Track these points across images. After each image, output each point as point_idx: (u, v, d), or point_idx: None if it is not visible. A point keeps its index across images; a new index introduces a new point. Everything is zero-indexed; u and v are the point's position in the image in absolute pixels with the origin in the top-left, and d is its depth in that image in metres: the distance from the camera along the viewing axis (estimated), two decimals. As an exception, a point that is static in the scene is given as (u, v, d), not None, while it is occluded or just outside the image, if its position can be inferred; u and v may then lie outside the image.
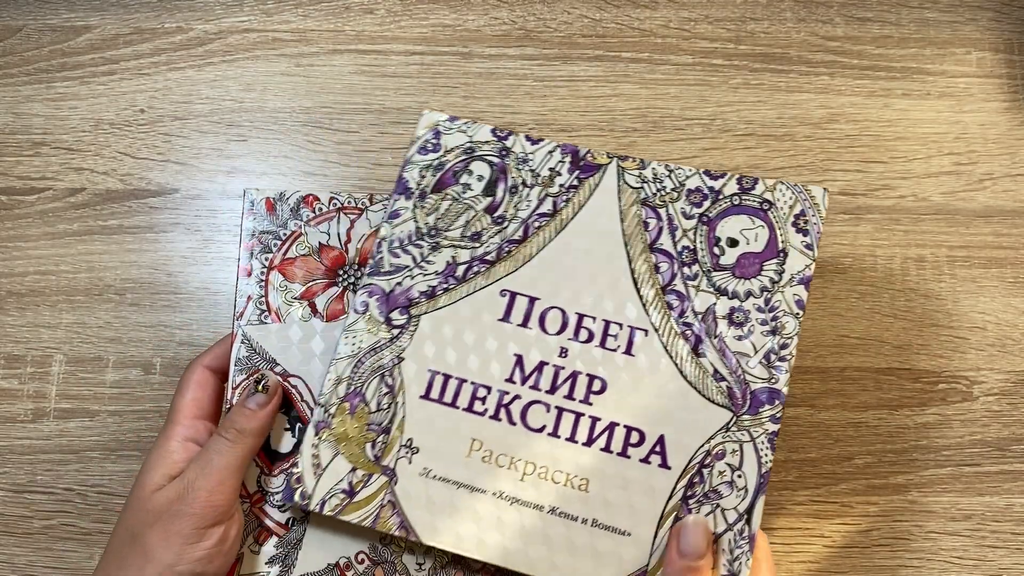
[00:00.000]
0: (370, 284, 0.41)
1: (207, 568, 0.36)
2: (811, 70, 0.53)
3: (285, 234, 0.43)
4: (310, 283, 0.43)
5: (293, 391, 0.41)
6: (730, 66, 0.53)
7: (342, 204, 0.44)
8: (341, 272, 0.43)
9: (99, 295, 0.49)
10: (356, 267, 0.43)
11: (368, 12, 0.54)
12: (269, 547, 0.40)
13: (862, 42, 0.53)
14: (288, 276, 0.43)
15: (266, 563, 0.39)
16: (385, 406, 0.40)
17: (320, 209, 0.44)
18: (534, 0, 0.54)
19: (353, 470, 0.39)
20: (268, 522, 0.40)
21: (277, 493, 0.40)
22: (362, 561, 0.40)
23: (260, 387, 0.40)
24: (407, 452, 0.39)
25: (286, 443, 0.40)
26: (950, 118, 0.52)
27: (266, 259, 0.43)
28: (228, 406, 0.40)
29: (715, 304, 0.40)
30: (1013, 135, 0.51)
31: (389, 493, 0.39)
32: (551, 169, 0.43)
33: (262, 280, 0.43)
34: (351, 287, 0.43)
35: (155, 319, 0.49)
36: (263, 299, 0.42)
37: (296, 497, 0.38)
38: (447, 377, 0.40)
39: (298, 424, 0.41)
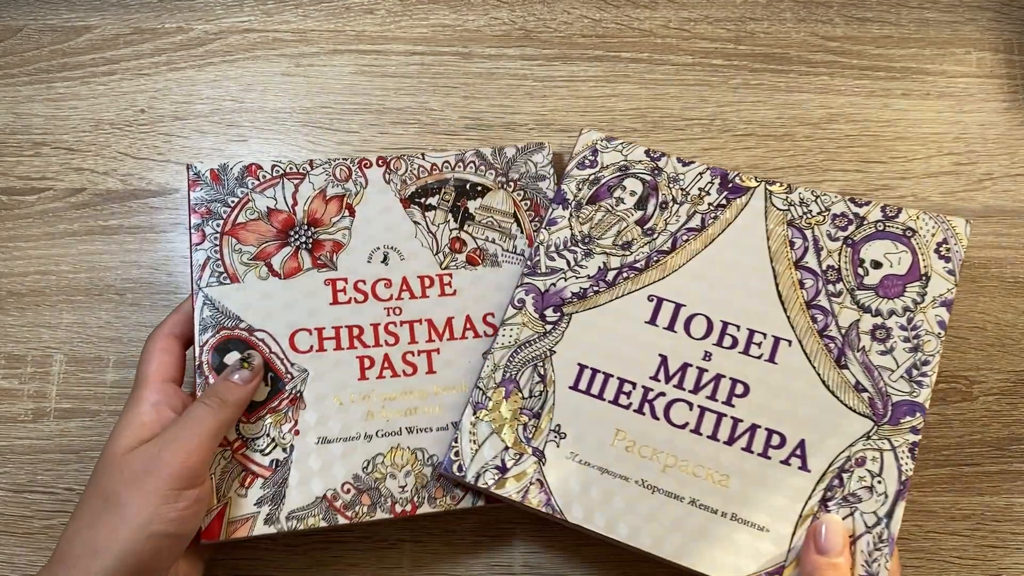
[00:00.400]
0: (528, 283, 0.46)
1: (180, 529, 0.37)
2: (811, 70, 0.53)
3: (233, 201, 0.46)
4: (263, 245, 0.46)
5: (261, 344, 0.44)
6: (730, 66, 0.53)
7: (284, 171, 0.47)
8: (292, 233, 0.46)
9: (99, 295, 0.49)
10: (306, 227, 0.46)
11: (368, 12, 0.54)
12: (256, 489, 0.42)
13: (862, 42, 0.53)
14: (241, 240, 0.46)
15: (255, 504, 0.42)
16: (536, 393, 0.44)
17: (264, 176, 0.47)
18: (534, 0, 0.54)
19: (506, 449, 0.43)
20: (252, 466, 0.42)
21: (258, 438, 0.42)
22: (348, 491, 0.43)
23: (246, 364, 0.42)
24: (555, 436, 0.43)
25: (261, 392, 0.43)
26: (950, 118, 0.52)
27: (217, 225, 0.46)
28: (199, 363, 0.43)
29: (859, 320, 0.43)
30: (1013, 135, 0.51)
31: (538, 473, 0.42)
32: (700, 189, 0.47)
33: (216, 245, 0.45)
34: (303, 246, 0.46)
35: (155, 319, 0.49)
36: (219, 262, 0.45)
37: (454, 469, 0.42)
38: (595, 371, 0.44)
39: (270, 373, 0.44)
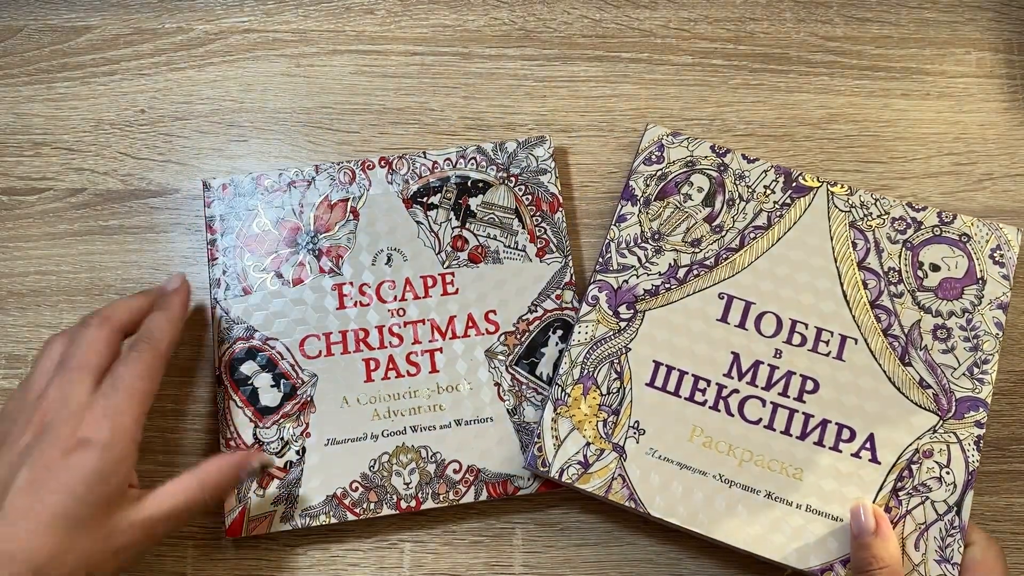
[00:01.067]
0: (600, 280, 0.47)
1: None
2: (811, 70, 0.53)
3: (244, 214, 0.48)
4: (273, 254, 0.48)
5: (274, 352, 0.46)
6: (730, 66, 0.53)
7: (291, 179, 0.49)
8: (300, 240, 0.48)
9: (100, 295, 0.49)
10: (312, 233, 0.48)
11: (368, 12, 0.54)
12: (272, 489, 0.44)
13: (861, 42, 0.53)
14: (253, 251, 0.48)
15: (272, 504, 0.44)
16: (614, 390, 0.45)
17: (272, 186, 0.49)
18: (534, 0, 0.54)
19: (587, 444, 0.44)
20: (269, 469, 0.45)
21: (272, 442, 0.45)
22: (356, 489, 0.45)
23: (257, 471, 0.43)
24: (634, 432, 0.44)
25: (274, 398, 0.46)
26: (949, 118, 0.52)
27: (231, 239, 0.48)
28: (218, 375, 0.46)
29: (920, 320, 0.45)
30: (1012, 135, 0.51)
31: (620, 468, 0.44)
32: (765, 187, 0.48)
33: (230, 259, 0.48)
34: (310, 252, 0.48)
35: (155, 319, 0.49)
36: (234, 275, 0.47)
37: (538, 465, 0.44)
38: (670, 368, 0.45)
39: (282, 380, 0.46)
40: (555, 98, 0.52)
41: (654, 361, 0.45)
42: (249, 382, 0.46)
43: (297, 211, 0.48)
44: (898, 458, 0.43)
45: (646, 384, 0.45)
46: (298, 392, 0.46)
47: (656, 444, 0.44)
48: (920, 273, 0.46)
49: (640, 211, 0.48)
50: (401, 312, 0.47)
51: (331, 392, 0.46)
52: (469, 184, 0.49)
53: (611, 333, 0.46)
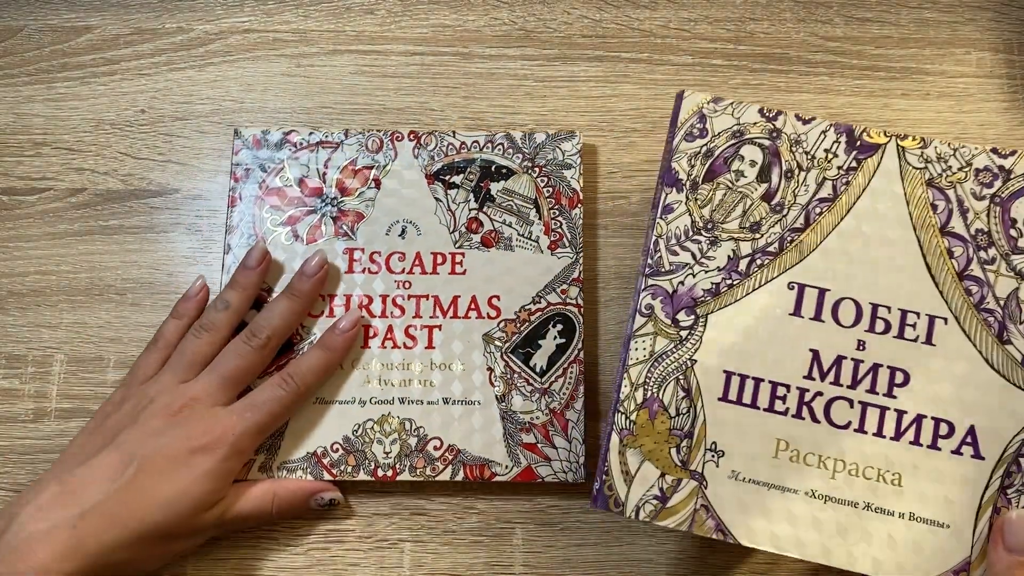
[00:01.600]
0: (652, 285, 0.41)
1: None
2: (811, 70, 0.53)
3: (269, 167, 0.49)
4: (292, 211, 0.49)
5: None
6: (730, 66, 0.53)
7: (321, 139, 0.50)
8: (320, 200, 0.49)
9: (100, 295, 0.49)
10: (333, 196, 0.49)
11: (368, 12, 0.54)
12: None
13: (861, 42, 0.53)
14: (271, 204, 0.49)
15: (254, 451, 0.45)
16: (684, 410, 0.40)
17: (301, 143, 0.50)
18: (534, 0, 0.54)
19: (662, 475, 0.39)
20: None
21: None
22: (337, 450, 0.45)
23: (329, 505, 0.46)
24: (713, 456, 0.39)
25: None
26: (949, 118, 0.52)
27: (253, 189, 0.49)
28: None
29: (1018, 288, 0.40)
30: (1012, 135, 0.51)
31: (701, 497, 0.39)
32: (826, 150, 0.42)
33: (249, 207, 0.49)
34: (328, 214, 0.49)
35: (155, 319, 0.49)
36: (250, 224, 0.48)
37: (611, 505, 0.38)
38: (743, 377, 0.40)
39: None
40: (555, 98, 0.52)
41: (725, 371, 0.40)
42: None
43: (321, 172, 0.49)
44: (1004, 451, 0.38)
45: (719, 399, 0.40)
46: (295, 348, 0.46)
47: (738, 466, 0.39)
48: (1013, 232, 0.40)
49: (688, 197, 0.41)
50: (407, 285, 0.47)
51: None
52: (493, 169, 0.49)
53: (672, 345, 0.40)
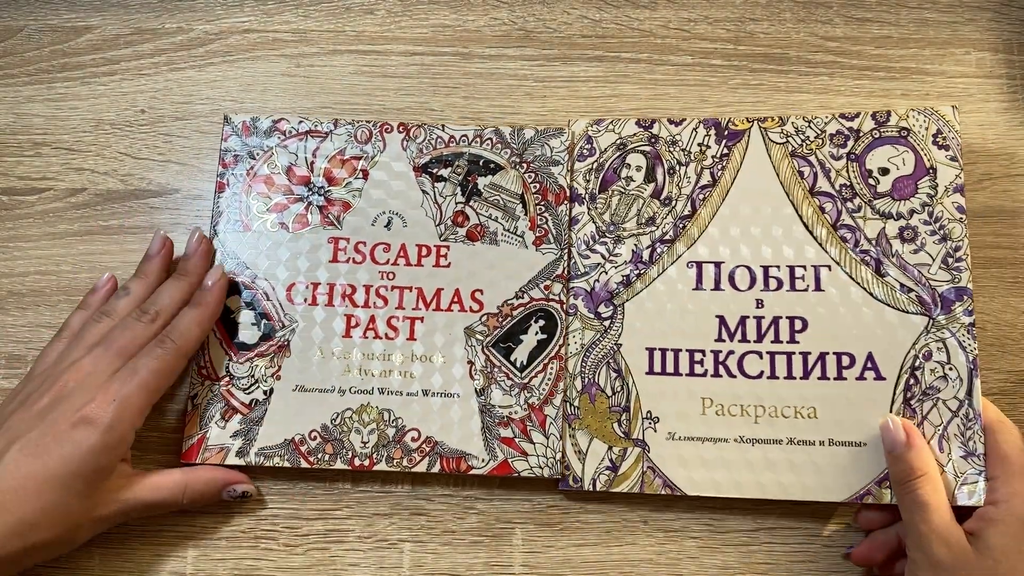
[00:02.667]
0: (574, 287, 0.47)
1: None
2: (811, 70, 0.53)
3: (258, 154, 0.49)
4: (279, 198, 0.49)
5: (261, 291, 0.47)
6: (730, 66, 0.53)
7: (310, 128, 0.50)
8: (307, 188, 0.49)
9: (100, 295, 0.49)
10: (320, 185, 0.49)
11: (368, 12, 0.54)
12: (234, 423, 0.46)
13: (861, 42, 0.53)
14: (259, 191, 0.49)
15: (231, 436, 0.45)
16: (619, 388, 0.46)
17: (290, 132, 0.50)
18: (534, 0, 0.54)
19: (610, 448, 0.45)
20: (234, 402, 0.46)
21: (243, 378, 0.46)
22: (315, 438, 0.46)
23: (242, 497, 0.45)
24: (650, 423, 0.45)
25: (252, 336, 0.47)
26: (949, 118, 0.52)
27: (241, 175, 0.49)
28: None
29: (884, 228, 0.46)
30: (1012, 135, 0.51)
31: (646, 461, 0.45)
32: (699, 144, 0.48)
33: (236, 194, 0.49)
34: (315, 203, 0.49)
35: (155, 319, 0.49)
36: (236, 210, 0.48)
37: (570, 482, 0.45)
38: (664, 351, 0.46)
39: (264, 320, 0.47)
40: (555, 98, 0.52)
41: (647, 348, 0.46)
42: (231, 316, 0.47)
43: (309, 160, 0.49)
44: (901, 369, 0.44)
45: (646, 373, 0.45)
46: (277, 334, 0.47)
47: (673, 427, 0.45)
48: (871, 181, 0.46)
49: (589, 207, 0.48)
50: (391, 276, 0.48)
51: (308, 340, 0.47)
52: (481, 163, 0.49)
53: (599, 335, 0.46)
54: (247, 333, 0.47)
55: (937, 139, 0.46)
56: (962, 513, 0.40)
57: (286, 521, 0.46)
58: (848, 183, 0.46)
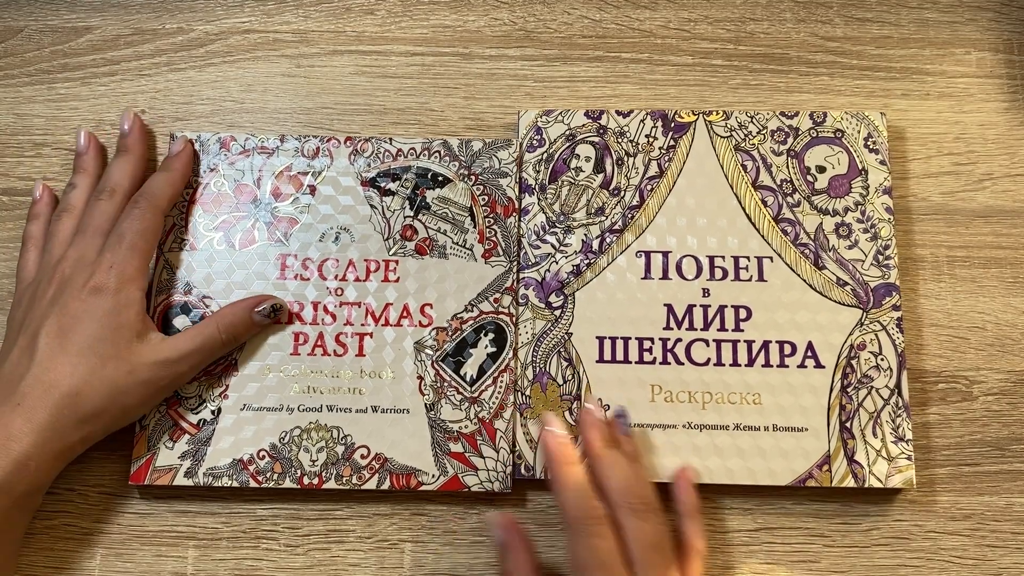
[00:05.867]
0: (525, 277, 0.48)
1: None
2: (811, 70, 0.53)
3: (204, 172, 0.49)
4: (225, 216, 0.49)
5: (208, 310, 0.47)
6: (730, 66, 0.53)
7: (256, 145, 0.50)
8: (253, 205, 0.49)
9: (100, 295, 0.49)
10: (267, 201, 0.49)
11: (369, 13, 0.54)
12: (182, 444, 0.45)
13: (861, 42, 0.53)
14: (206, 209, 0.49)
15: (178, 457, 0.45)
16: (569, 377, 0.46)
17: (237, 149, 0.50)
18: (534, 1, 0.54)
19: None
20: (182, 423, 0.46)
21: (191, 398, 0.46)
22: (263, 457, 0.45)
23: (273, 314, 0.46)
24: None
25: None
26: (949, 118, 0.52)
27: (187, 194, 0.49)
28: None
29: (821, 223, 0.48)
30: (1013, 135, 0.51)
31: None
32: (647, 136, 0.49)
33: (183, 213, 0.49)
34: (261, 219, 0.48)
35: (156, 319, 0.49)
36: (183, 229, 0.48)
37: (522, 470, 0.45)
38: (613, 339, 0.47)
39: None
40: (555, 98, 0.52)
41: (597, 337, 0.46)
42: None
43: (256, 177, 0.49)
44: (838, 358, 0.46)
45: (596, 361, 0.46)
46: (230, 357, 0.47)
47: (624, 414, 0.45)
48: (810, 178, 0.48)
49: (539, 198, 0.48)
50: (339, 292, 0.47)
51: (256, 359, 0.47)
52: (429, 176, 0.49)
53: (549, 324, 0.47)
54: None
55: (868, 142, 0.48)
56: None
57: (287, 521, 0.46)
58: (788, 178, 0.48)
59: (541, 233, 0.48)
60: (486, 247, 0.48)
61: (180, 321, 0.47)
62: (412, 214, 0.48)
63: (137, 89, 0.53)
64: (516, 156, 0.49)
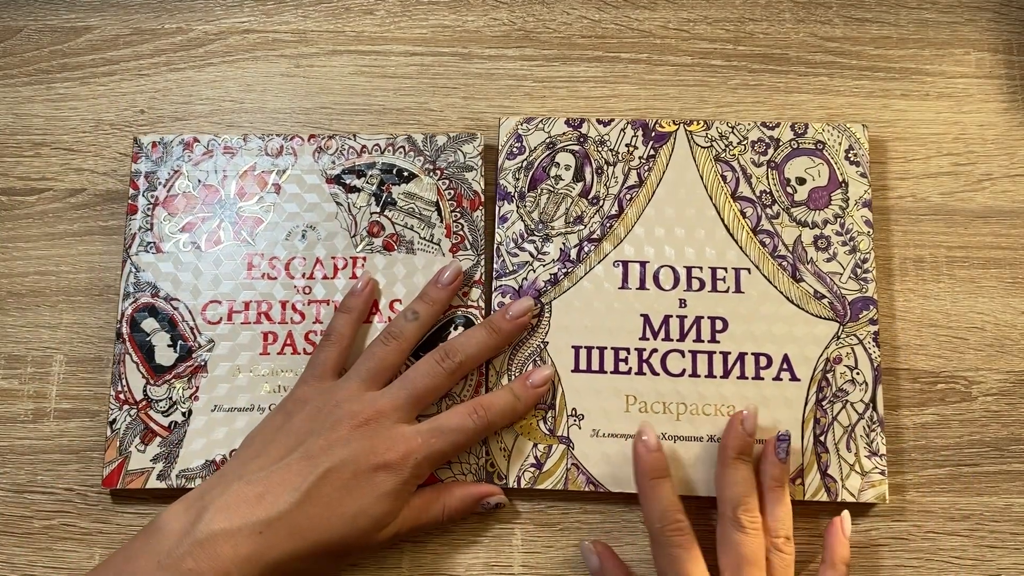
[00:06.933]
0: (502, 285, 0.47)
1: None
2: (810, 71, 0.53)
3: (169, 173, 0.49)
4: (190, 217, 0.48)
5: (176, 312, 0.47)
6: (729, 67, 0.53)
7: (219, 145, 0.50)
8: (218, 206, 0.49)
9: (99, 295, 0.49)
10: (231, 201, 0.49)
11: (368, 13, 0.54)
12: (154, 447, 0.45)
13: (861, 43, 0.53)
14: (171, 211, 0.48)
15: (151, 460, 0.45)
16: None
17: (200, 150, 0.49)
18: (534, 1, 0.54)
19: (535, 446, 0.45)
20: (153, 425, 0.46)
21: (161, 401, 0.46)
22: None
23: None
24: (575, 420, 0.46)
25: (169, 358, 0.47)
26: (949, 119, 0.52)
27: (152, 196, 0.49)
28: (118, 329, 0.47)
29: (800, 235, 0.47)
30: (1012, 135, 0.51)
31: (571, 457, 0.45)
32: (627, 145, 0.49)
33: (148, 216, 0.48)
34: (227, 219, 0.48)
35: (155, 319, 0.49)
36: (149, 232, 0.48)
37: (495, 479, 0.45)
38: (589, 348, 0.46)
39: (179, 341, 0.47)
40: (555, 99, 0.52)
41: (573, 347, 0.46)
42: (147, 339, 0.47)
43: (220, 178, 0.49)
44: (814, 371, 0.46)
45: (572, 371, 0.46)
46: (193, 355, 0.47)
47: (597, 424, 0.45)
48: (789, 190, 0.48)
49: (518, 206, 0.48)
50: (307, 290, 0.47)
51: (226, 360, 0.46)
52: (394, 172, 0.49)
53: (525, 334, 0.47)
54: (163, 355, 0.46)
55: (849, 155, 0.48)
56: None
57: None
58: (768, 190, 0.48)
59: (519, 241, 0.48)
60: (453, 241, 0.48)
61: (148, 324, 0.47)
62: (378, 210, 0.48)
63: (136, 89, 0.53)
64: (480, 149, 0.49)
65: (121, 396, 0.46)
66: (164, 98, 0.53)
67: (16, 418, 0.48)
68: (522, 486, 0.45)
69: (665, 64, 0.53)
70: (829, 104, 0.52)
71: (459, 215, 0.48)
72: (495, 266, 0.47)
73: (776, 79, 0.53)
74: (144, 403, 0.46)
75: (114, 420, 0.46)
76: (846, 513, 0.44)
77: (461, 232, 0.48)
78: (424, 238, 0.48)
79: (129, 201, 0.48)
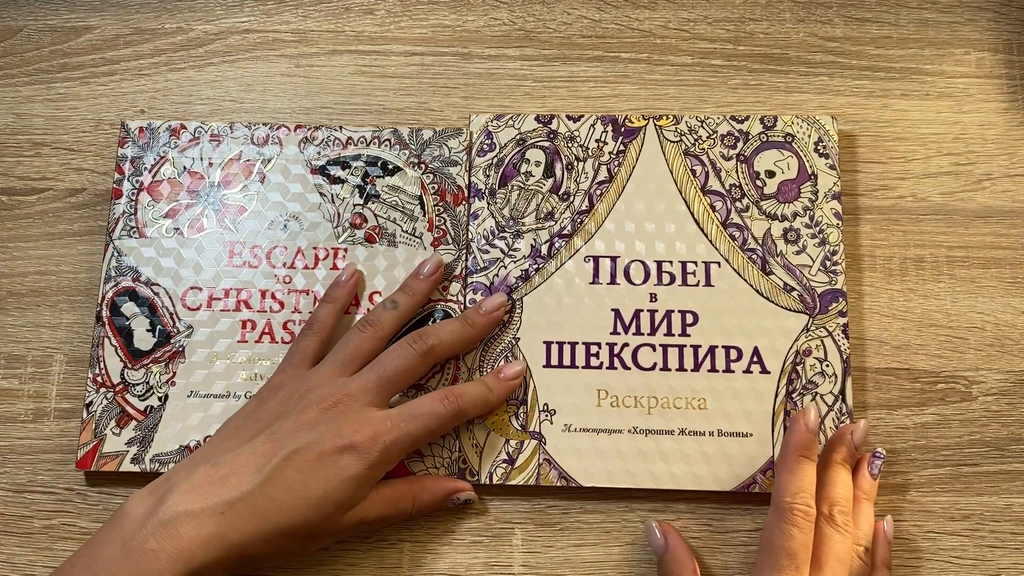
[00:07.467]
0: (474, 282, 0.47)
1: None
2: (810, 70, 0.53)
3: (155, 159, 0.49)
4: (174, 203, 0.48)
5: (156, 298, 0.47)
6: (729, 66, 0.53)
7: (206, 132, 0.50)
8: (202, 193, 0.49)
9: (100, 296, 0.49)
10: (216, 188, 0.49)
11: (368, 13, 0.54)
12: (129, 431, 0.46)
13: (861, 42, 0.53)
14: (155, 197, 0.49)
15: (125, 443, 0.45)
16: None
17: (187, 137, 0.50)
18: (534, 1, 0.54)
19: (507, 442, 0.46)
20: (129, 409, 0.46)
21: (138, 385, 0.46)
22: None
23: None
24: (546, 415, 0.46)
25: (148, 343, 0.47)
26: (949, 118, 0.52)
27: (137, 181, 0.49)
28: (98, 313, 0.47)
29: (770, 228, 0.47)
30: (1012, 135, 0.51)
31: (543, 453, 0.45)
32: (597, 140, 0.49)
33: (132, 200, 0.48)
34: (211, 206, 0.49)
35: (155, 319, 0.49)
36: (132, 216, 0.48)
37: (467, 476, 0.45)
38: (561, 344, 0.46)
39: (158, 326, 0.47)
40: (555, 98, 0.52)
41: (544, 342, 0.46)
42: (127, 323, 0.47)
43: (206, 165, 0.49)
44: (784, 363, 0.46)
45: (543, 366, 0.46)
46: (171, 340, 0.47)
47: (569, 419, 0.45)
48: (758, 183, 0.48)
49: (488, 203, 0.48)
50: (287, 280, 0.48)
51: (203, 346, 0.47)
52: (379, 164, 0.49)
53: (498, 329, 0.47)
54: (142, 340, 0.47)
55: (818, 147, 0.48)
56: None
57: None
58: (737, 183, 0.48)
59: (490, 238, 0.48)
60: (435, 235, 0.48)
61: (128, 308, 0.47)
62: (362, 202, 0.49)
63: (136, 89, 0.53)
64: (466, 144, 0.49)
65: (99, 379, 0.46)
66: (164, 98, 0.53)
67: (16, 418, 0.48)
68: (494, 482, 0.45)
69: (665, 64, 0.53)
70: (829, 104, 0.52)
71: (442, 209, 0.48)
72: (465, 263, 0.48)
73: (776, 79, 0.53)
74: (121, 387, 0.46)
75: (91, 403, 0.46)
76: (889, 517, 0.44)
77: (443, 226, 0.48)
78: (407, 231, 0.48)
79: (114, 185, 0.49)
